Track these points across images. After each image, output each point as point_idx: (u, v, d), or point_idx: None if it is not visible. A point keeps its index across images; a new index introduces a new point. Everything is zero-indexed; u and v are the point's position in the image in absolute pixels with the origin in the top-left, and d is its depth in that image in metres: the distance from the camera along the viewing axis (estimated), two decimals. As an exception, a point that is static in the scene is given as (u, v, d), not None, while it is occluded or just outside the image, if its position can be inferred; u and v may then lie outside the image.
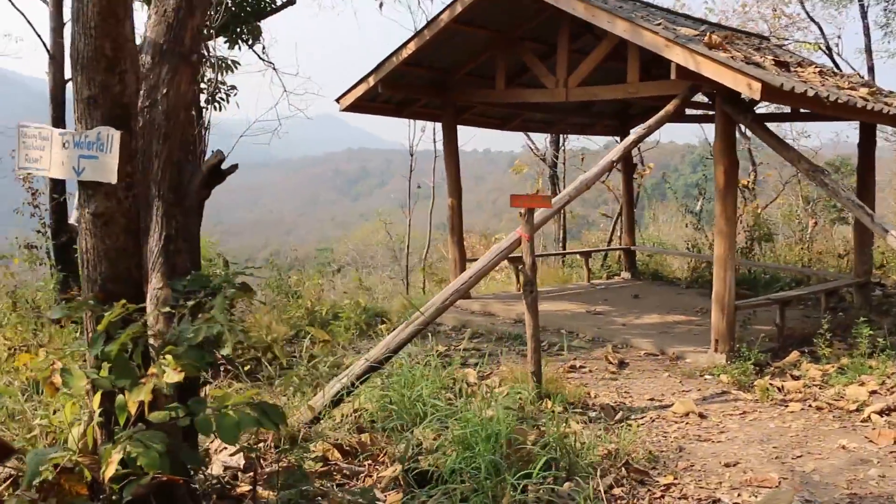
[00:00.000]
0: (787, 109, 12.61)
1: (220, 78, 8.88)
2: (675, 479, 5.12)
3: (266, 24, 10.60)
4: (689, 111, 13.17)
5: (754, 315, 9.76)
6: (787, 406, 6.86)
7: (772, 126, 9.79)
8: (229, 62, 9.46)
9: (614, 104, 13.86)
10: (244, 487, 4.72)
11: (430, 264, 17.55)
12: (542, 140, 18.23)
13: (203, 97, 8.92)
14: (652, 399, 7.25)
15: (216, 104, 8.95)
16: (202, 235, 9.20)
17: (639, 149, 19.12)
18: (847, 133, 44.15)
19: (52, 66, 9.50)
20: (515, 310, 11.15)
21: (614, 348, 9.28)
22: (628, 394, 7.48)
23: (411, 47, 10.35)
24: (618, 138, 14.68)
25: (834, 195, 7.91)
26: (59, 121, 9.35)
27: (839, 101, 7.84)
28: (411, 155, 16.98)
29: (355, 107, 11.57)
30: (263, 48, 10.47)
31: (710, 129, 20.98)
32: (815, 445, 5.86)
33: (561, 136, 17.37)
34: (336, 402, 5.71)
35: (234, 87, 9.13)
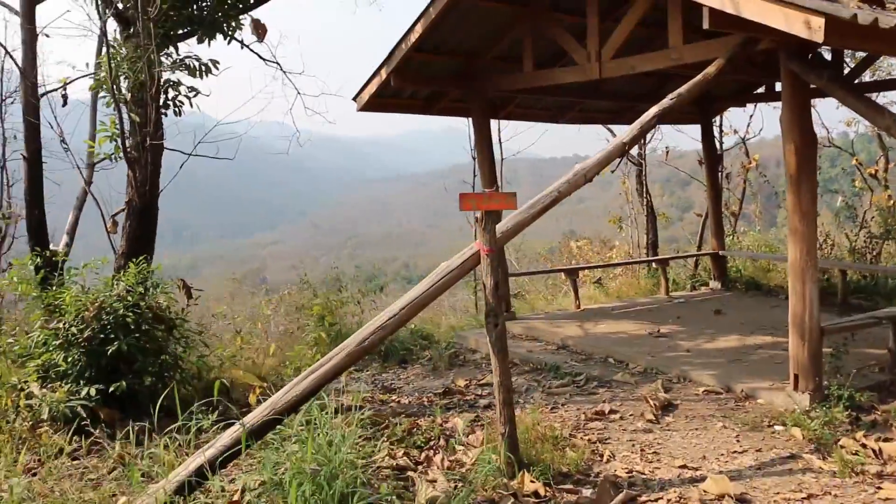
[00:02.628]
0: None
1: (176, 79, 7.52)
2: None
3: (271, 22, 9.16)
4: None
5: (852, 339, 7.35)
6: (880, 487, 4.62)
7: None
8: (203, 64, 8.08)
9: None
10: None
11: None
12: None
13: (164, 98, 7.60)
14: (684, 466, 5.17)
15: (175, 108, 7.59)
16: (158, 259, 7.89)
17: (743, 139, 16.56)
18: None
19: (24, 84, 8.33)
20: (561, 333, 9.21)
21: (666, 384, 7.19)
22: (657, 456, 5.42)
23: (418, 30, 8.63)
24: (699, 126, 12.37)
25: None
26: (35, 150, 8.11)
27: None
28: (474, 159, 15.23)
29: (375, 105, 9.97)
30: (245, 44, 9.04)
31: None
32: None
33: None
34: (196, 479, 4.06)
35: (193, 89, 7.76)
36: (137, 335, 6.28)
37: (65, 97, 8.46)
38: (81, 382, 6.15)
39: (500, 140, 15.43)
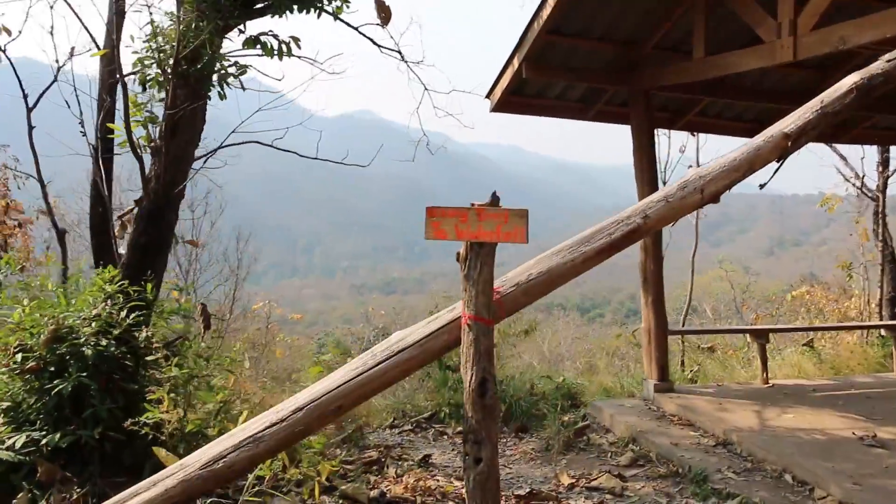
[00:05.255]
0: None
1: (208, 51, 5.72)
2: None
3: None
4: None
5: None
6: None
7: None
8: (283, 42, 6.35)
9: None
10: None
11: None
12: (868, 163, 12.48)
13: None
14: None
15: (219, 90, 5.90)
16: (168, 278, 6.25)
17: None
18: None
19: (102, 67, 7.08)
20: (726, 421, 6.47)
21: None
22: None
23: (551, 3, 6.38)
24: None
25: None
26: (105, 136, 6.82)
27: None
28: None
29: (512, 105, 7.87)
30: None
31: None
32: None
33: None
34: None
35: (241, 67, 6.00)
36: (88, 372, 4.63)
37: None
38: (34, 426, 4.68)
39: (698, 161, 12.57)
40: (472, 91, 8.32)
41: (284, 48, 6.65)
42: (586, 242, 2.68)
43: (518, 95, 7.78)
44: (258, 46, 6.54)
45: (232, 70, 5.94)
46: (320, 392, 2.47)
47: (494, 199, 2.49)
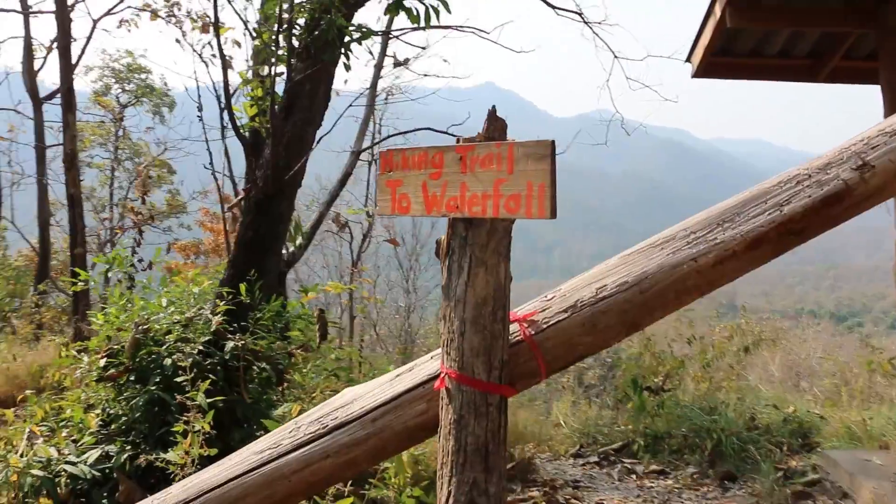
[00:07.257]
0: None
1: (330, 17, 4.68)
2: None
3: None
4: None
5: None
6: None
7: None
8: (430, 6, 5.29)
9: None
10: None
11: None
12: None
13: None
14: None
15: (344, 61, 4.87)
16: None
17: None
18: None
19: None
20: None
21: None
22: None
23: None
24: None
25: None
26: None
27: None
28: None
29: (719, 68, 6.28)
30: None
31: None
32: None
33: None
34: None
35: (361, 29, 4.82)
36: (171, 384, 3.93)
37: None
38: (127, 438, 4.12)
39: None
40: (671, 55, 6.80)
41: (432, 14, 5.61)
42: (728, 221, 1.28)
43: (726, 56, 6.14)
44: (401, 13, 5.56)
45: (355, 35, 4.95)
46: (188, 494, 1.32)
47: (495, 124, 1.17)
